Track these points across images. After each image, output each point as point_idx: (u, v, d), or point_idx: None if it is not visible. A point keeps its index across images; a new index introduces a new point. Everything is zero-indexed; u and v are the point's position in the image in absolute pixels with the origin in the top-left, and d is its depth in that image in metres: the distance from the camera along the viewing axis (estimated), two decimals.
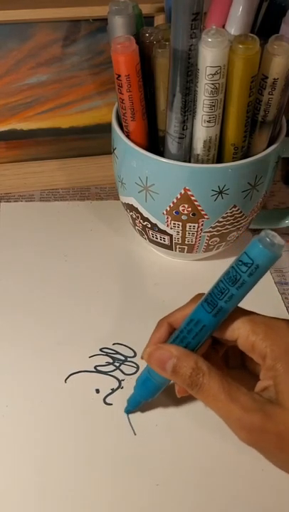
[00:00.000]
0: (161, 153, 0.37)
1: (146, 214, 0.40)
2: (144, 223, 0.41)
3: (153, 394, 0.34)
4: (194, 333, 0.30)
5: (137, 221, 0.42)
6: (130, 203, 0.41)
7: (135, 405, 0.35)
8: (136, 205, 0.40)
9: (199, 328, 0.30)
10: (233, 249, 0.45)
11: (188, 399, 0.35)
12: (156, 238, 0.42)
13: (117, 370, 0.37)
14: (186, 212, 0.38)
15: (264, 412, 0.28)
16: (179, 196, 0.37)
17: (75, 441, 0.33)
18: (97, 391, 0.36)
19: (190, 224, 0.39)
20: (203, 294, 0.31)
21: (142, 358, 0.33)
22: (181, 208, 0.38)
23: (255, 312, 0.31)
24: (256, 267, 0.27)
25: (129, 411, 0.35)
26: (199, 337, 0.30)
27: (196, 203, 0.37)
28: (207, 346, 0.32)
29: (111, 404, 0.35)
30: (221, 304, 0.29)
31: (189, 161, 0.37)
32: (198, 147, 0.36)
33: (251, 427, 0.28)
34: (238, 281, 0.28)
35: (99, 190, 0.53)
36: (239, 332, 0.30)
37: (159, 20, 0.44)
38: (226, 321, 0.30)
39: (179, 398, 0.35)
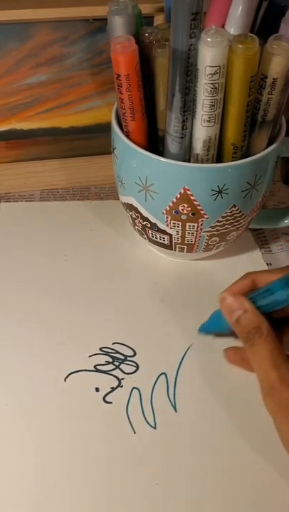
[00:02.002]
0: (161, 153, 0.37)
1: (145, 214, 0.40)
2: (144, 223, 0.41)
3: (220, 330, 0.36)
4: (266, 302, 0.32)
5: (136, 221, 0.42)
6: (130, 203, 0.41)
7: (207, 331, 0.38)
8: (136, 204, 0.40)
9: (272, 300, 0.31)
10: (233, 249, 0.45)
11: (189, 398, 0.36)
12: (156, 238, 0.42)
13: (117, 369, 0.37)
14: (185, 211, 0.38)
15: None
16: (178, 196, 0.37)
17: (75, 440, 0.34)
18: (97, 390, 0.36)
19: (190, 223, 0.39)
20: None
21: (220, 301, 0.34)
22: (180, 208, 0.38)
23: None
24: None
25: (200, 332, 0.38)
26: (269, 307, 0.32)
27: (195, 202, 0.37)
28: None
29: (111, 402, 0.35)
30: None
31: (189, 161, 0.37)
32: (198, 147, 0.36)
33: (280, 398, 0.29)
34: None
35: (99, 190, 0.53)
36: None
37: (159, 20, 0.44)
38: None
39: (178, 397, 0.35)
